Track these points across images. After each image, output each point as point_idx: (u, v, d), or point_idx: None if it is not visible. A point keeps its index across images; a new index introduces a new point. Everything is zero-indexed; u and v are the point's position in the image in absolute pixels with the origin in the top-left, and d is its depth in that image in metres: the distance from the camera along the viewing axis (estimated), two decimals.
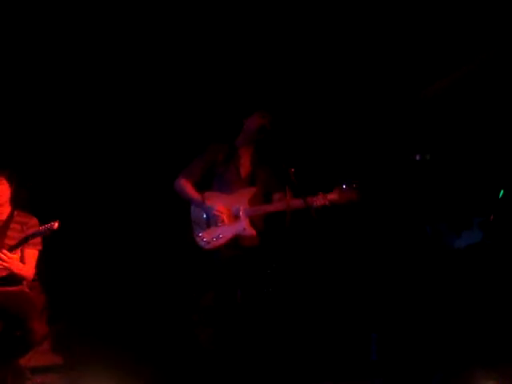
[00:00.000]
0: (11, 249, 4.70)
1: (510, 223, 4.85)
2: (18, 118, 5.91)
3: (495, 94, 5.08)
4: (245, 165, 5.09)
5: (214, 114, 5.93)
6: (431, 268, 5.17)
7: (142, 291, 5.94)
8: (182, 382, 5.15)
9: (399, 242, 5.46)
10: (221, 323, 4.94)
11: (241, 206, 4.91)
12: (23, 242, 4.68)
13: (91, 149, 6.07)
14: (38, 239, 4.87)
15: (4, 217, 4.97)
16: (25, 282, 4.91)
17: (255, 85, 5.78)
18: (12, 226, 4.93)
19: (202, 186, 5.10)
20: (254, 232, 4.88)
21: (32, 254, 4.90)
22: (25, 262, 4.84)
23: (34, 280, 5.21)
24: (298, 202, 4.70)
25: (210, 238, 4.89)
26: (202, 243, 4.90)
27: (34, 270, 4.91)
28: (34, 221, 4.96)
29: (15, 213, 5.00)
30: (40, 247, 4.94)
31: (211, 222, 4.91)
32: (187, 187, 5.05)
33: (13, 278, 4.82)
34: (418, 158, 5.26)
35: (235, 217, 4.90)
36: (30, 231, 4.74)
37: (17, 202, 5.06)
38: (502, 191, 4.81)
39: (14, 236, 4.84)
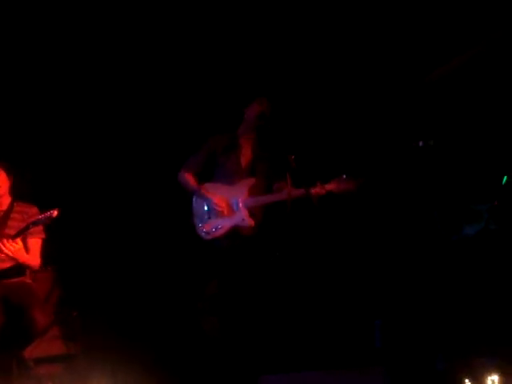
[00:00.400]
0: (13, 238, 4.71)
1: None
2: (19, 111, 5.92)
3: (500, 78, 5.03)
4: (246, 155, 5.11)
5: (216, 105, 5.93)
6: (434, 254, 5.14)
7: (147, 281, 5.96)
8: (188, 372, 5.15)
9: (402, 228, 5.43)
10: (225, 311, 4.95)
11: (240, 196, 4.94)
12: (24, 230, 4.70)
13: (94, 140, 6.09)
14: (40, 228, 4.89)
15: (4, 207, 4.99)
16: (28, 274, 4.94)
17: (256, 73, 5.76)
18: (12, 216, 4.95)
19: (205, 177, 5.11)
20: (252, 222, 4.91)
21: (35, 242, 4.92)
22: (29, 251, 4.85)
23: (42, 270, 5.26)
24: (298, 191, 4.69)
25: (210, 228, 4.95)
26: (202, 234, 4.99)
27: (39, 259, 4.93)
28: (35, 210, 4.99)
29: (15, 203, 5.02)
30: (43, 235, 4.96)
31: (211, 213, 4.96)
32: (189, 179, 5.11)
33: (17, 269, 4.85)
34: (421, 144, 5.22)
35: (234, 208, 4.92)
36: (31, 220, 4.74)
37: (18, 193, 5.09)
38: (505, 177, 4.77)
39: (14, 226, 4.85)
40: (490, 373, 4.07)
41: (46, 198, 5.28)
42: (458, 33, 5.26)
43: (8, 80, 5.86)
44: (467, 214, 5.01)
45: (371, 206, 5.58)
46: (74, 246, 5.93)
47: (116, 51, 5.98)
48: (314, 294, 5.61)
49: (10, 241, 4.67)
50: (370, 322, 5.28)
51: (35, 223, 4.69)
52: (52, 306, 5.46)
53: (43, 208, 4.78)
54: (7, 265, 4.82)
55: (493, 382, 4.02)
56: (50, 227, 4.96)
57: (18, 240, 4.71)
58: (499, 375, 4.03)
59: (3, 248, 4.65)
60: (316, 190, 4.75)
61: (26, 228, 4.69)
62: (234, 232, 4.93)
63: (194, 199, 5.09)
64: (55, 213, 4.61)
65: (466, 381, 4.12)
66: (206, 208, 4.99)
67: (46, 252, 5.07)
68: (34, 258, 4.89)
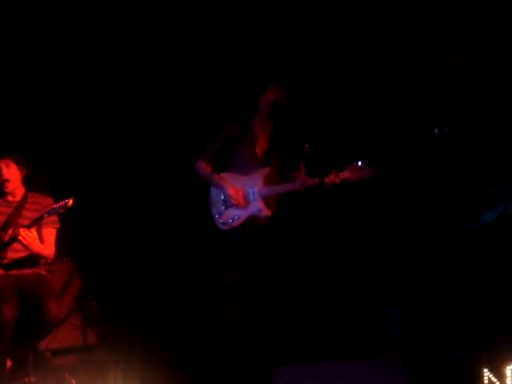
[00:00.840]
0: (28, 227, 4.71)
1: None
2: (34, 102, 5.94)
3: None
4: (261, 144, 5.08)
5: (231, 94, 5.92)
6: (452, 242, 5.10)
7: (164, 271, 5.97)
8: (204, 363, 5.14)
9: (419, 216, 5.40)
10: (245, 301, 4.94)
11: (256, 186, 4.92)
12: (39, 219, 4.71)
13: (112, 129, 6.10)
14: (55, 218, 4.90)
15: (18, 198, 5.01)
16: (42, 265, 4.94)
17: (270, 61, 5.74)
18: (27, 206, 4.96)
19: (222, 166, 5.09)
20: (269, 212, 4.90)
21: (50, 232, 4.93)
22: (43, 241, 4.86)
23: (59, 261, 5.27)
24: (312, 181, 4.67)
25: (227, 219, 4.94)
26: (219, 225, 4.98)
27: (53, 249, 4.94)
28: (49, 200, 4.99)
29: (29, 194, 5.03)
30: (58, 225, 4.97)
31: (228, 203, 4.94)
32: (205, 169, 5.08)
33: (31, 260, 4.86)
34: (436, 131, 5.18)
35: (250, 198, 4.91)
36: (46, 210, 4.74)
37: (33, 185, 5.10)
38: None
39: (29, 216, 4.86)
40: (508, 362, 4.03)
41: (62, 188, 5.29)
42: (472, 18, 5.21)
43: (24, 72, 5.88)
44: (485, 199, 4.96)
45: (387, 193, 5.54)
46: (92, 236, 5.95)
47: (135, 42, 6.01)
48: (331, 283, 5.59)
49: (26, 230, 4.67)
50: (387, 310, 5.26)
51: (50, 212, 4.69)
52: (71, 297, 5.47)
53: (60, 197, 4.77)
54: (21, 254, 4.82)
55: None
56: (68, 218, 4.98)
57: (33, 230, 4.71)
58: None
59: (19, 237, 4.66)
60: (330, 179, 4.71)
61: (41, 217, 4.70)
62: (251, 222, 4.91)
63: (211, 189, 5.08)
64: (70, 202, 4.62)
65: (485, 370, 4.08)
66: (222, 197, 4.99)
67: (65, 243, 5.08)
68: (48, 248, 4.89)
